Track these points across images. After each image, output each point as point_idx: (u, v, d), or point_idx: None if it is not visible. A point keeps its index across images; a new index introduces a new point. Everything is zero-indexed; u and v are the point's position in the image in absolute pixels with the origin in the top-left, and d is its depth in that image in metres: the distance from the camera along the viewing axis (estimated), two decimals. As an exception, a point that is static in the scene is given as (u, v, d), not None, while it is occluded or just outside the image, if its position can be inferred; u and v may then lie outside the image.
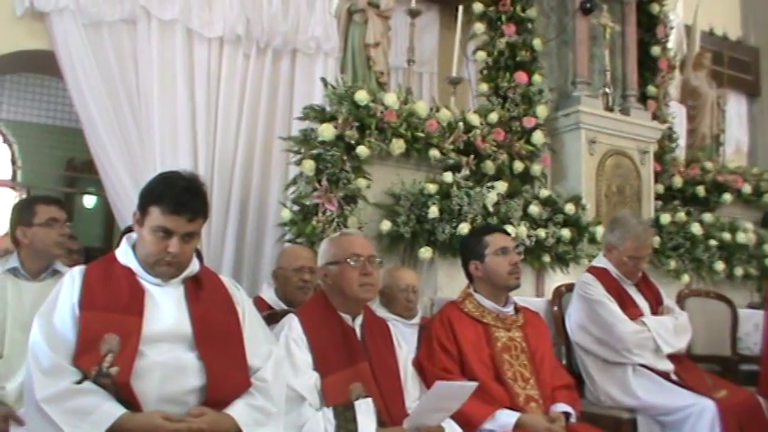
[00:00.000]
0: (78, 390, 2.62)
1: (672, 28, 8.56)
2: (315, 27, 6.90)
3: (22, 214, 3.85)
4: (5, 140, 12.90)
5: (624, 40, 7.78)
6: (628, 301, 4.78)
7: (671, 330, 4.75)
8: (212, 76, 6.61)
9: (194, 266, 3.04)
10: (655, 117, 7.80)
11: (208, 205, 3.01)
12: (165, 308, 2.88)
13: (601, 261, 5.02)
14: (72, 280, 2.88)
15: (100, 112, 6.16)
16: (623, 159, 7.24)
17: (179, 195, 2.89)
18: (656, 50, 8.13)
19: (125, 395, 2.64)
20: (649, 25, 8.16)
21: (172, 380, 2.73)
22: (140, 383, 2.67)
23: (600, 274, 4.88)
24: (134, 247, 2.99)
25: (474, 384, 3.43)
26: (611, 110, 7.29)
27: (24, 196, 10.76)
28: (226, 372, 2.84)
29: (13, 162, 12.96)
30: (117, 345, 2.68)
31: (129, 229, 3.12)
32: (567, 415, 3.84)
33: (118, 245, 3.08)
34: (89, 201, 13.30)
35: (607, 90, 7.34)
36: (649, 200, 7.40)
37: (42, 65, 6.85)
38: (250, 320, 3.11)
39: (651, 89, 8.04)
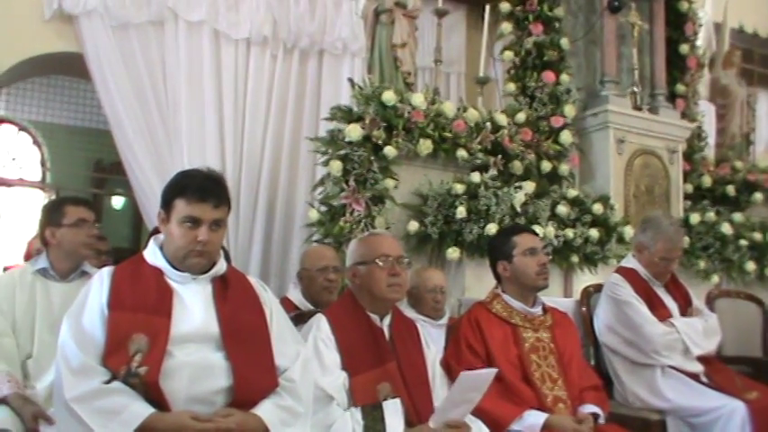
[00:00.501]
0: (107, 389, 2.63)
1: (701, 25, 8.49)
2: (342, 28, 6.92)
3: (52, 215, 3.87)
4: (35, 142, 13.00)
5: (652, 39, 7.73)
6: (656, 303, 4.75)
7: (700, 332, 4.70)
8: (239, 78, 6.64)
9: (222, 266, 3.04)
10: (684, 116, 7.74)
11: (230, 195, 3.04)
12: (193, 308, 2.89)
13: (630, 262, 4.99)
14: (101, 281, 2.90)
15: (128, 113, 6.21)
16: (652, 159, 7.20)
17: (202, 183, 2.94)
18: (684, 48, 8.06)
19: (154, 395, 2.65)
20: (678, 23, 8.09)
21: (200, 380, 2.74)
22: (169, 383, 2.68)
23: (629, 274, 4.84)
24: (161, 248, 3.01)
25: (494, 370, 3.41)
26: (639, 109, 7.24)
27: (53, 197, 10.85)
28: (253, 372, 2.84)
29: (43, 164, 13.06)
30: (145, 345, 2.69)
31: (157, 230, 3.13)
32: (595, 416, 3.82)
33: (146, 246, 3.10)
34: (117, 202, 13.39)
35: (635, 89, 7.30)
36: (678, 200, 7.36)
37: (71, 67, 6.92)
38: (277, 321, 3.11)
39: (680, 88, 7.98)
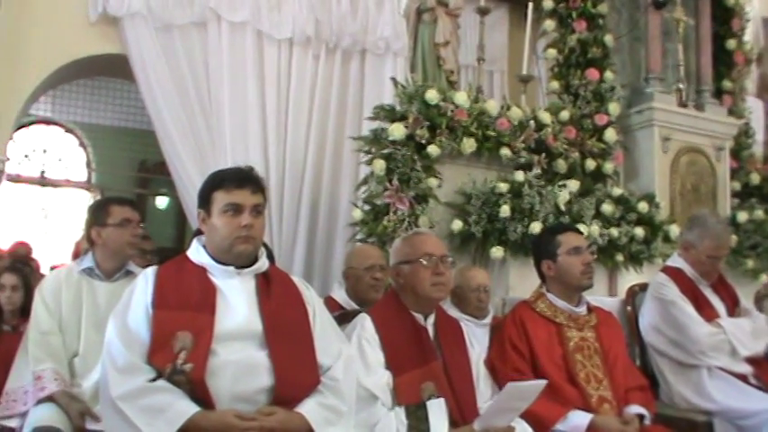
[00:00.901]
0: (153, 387, 2.65)
1: (748, 20, 8.38)
2: (384, 27, 6.92)
3: (97, 215, 3.91)
4: (81, 144, 13.15)
5: (698, 34, 7.66)
6: (703, 303, 4.68)
7: (748, 333, 4.62)
8: (282, 78, 6.66)
9: (264, 263, 3.06)
10: (731, 112, 7.67)
11: (264, 185, 3.10)
12: (237, 305, 2.91)
13: (676, 261, 4.92)
14: (145, 280, 2.93)
15: (171, 114, 6.25)
16: (698, 156, 7.13)
17: (237, 173, 3.02)
18: (731, 44, 7.98)
19: (199, 393, 2.67)
20: (724, 18, 8.01)
21: (244, 379, 2.75)
22: (214, 382, 2.70)
23: (675, 274, 4.78)
24: (204, 247, 3.03)
25: (543, 382, 3.40)
26: (684, 106, 7.19)
27: (99, 198, 10.97)
28: (295, 370, 2.85)
29: (88, 164, 13.21)
30: (190, 342, 2.71)
31: (200, 232, 3.16)
32: (641, 417, 3.78)
33: (190, 245, 3.13)
34: (161, 201, 13.49)
35: (681, 86, 7.24)
36: (725, 198, 7.28)
37: (115, 68, 6.99)
38: (320, 319, 3.12)
39: (726, 84, 7.90)
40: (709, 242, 4.72)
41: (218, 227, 2.94)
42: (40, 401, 3.48)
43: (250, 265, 3.00)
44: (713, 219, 4.90)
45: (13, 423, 3.55)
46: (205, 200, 3.00)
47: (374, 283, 4.64)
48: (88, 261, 3.89)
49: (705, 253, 4.73)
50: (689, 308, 4.58)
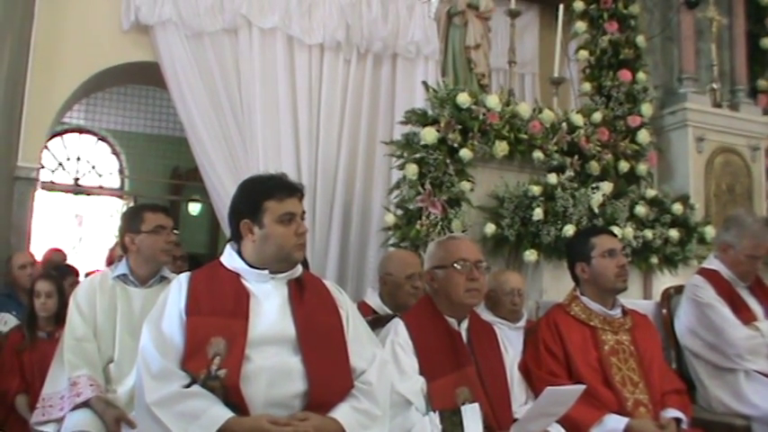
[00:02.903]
0: (187, 393, 2.67)
1: (783, 18, 8.31)
2: (414, 31, 6.93)
3: (131, 222, 3.93)
4: (113, 151, 13.25)
5: (732, 33, 7.61)
6: (740, 305, 4.60)
7: (787, 335, 4.57)
8: (313, 83, 6.69)
9: (298, 269, 3.06)
10: (766, 112, 7.59)
11: None
12: (270, 310, 2.91)
13: (712, 263, 4.85)
14: (179, 286, 2.94)
15: (203, 120, 6.30)
16: (733, 157, 7.08)
17: (284, 181, 3.04)
18: (765, 42, 7.90)
19: (234, 398, 2.68)
20: (758, 16, 7.94)
21: (278, 384, 2.75)
22: (248, 387, 2.70)
23: (711, 276, 4.72)
24: (239, 253, 3.03)
25: (582, 387, 3.39)
26: (719, 106, 7.14)
27: (132, 205, 11.04)
28: (328, 374, 2.85)
29: (121, 171, 13.31)
30: (224, 348, 2.73)
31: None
32: (677, 421, 3.75)
33: (223, 252, 3.13)
34: (194, 208, 13.57)
35: (715, 85, 7.19)
36: (761, 198, 7.22)
37: (147, 76, 7.06)
38: (354, 323, 3.11)
39: (762, 83, 7.84)
40: (748, 241, 4.66)
41: (275, 236, 2.94)
42: (75, 407, 3.50)
43: (284, 270, 3.01)
44: (750, 218, 4.83)
45: (49, 428, 3.58)
46: (254, 210, 2.97)
47: (414, 291, 4.58)
48: (122, 268, 3.91)
49: (744, 252, 4.66)
50: (725, 310, 4.53)
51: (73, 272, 6.29)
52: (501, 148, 5.85)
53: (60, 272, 5.91)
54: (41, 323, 4.70)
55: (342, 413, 2.80)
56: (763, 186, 7.27)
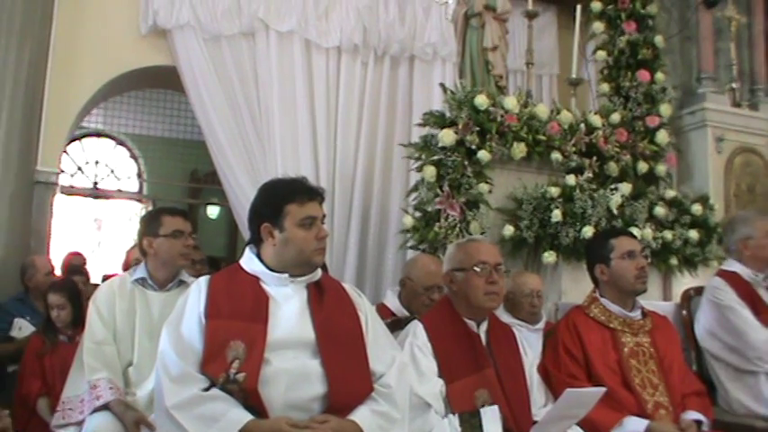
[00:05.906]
0: (206, 396, 2.68)
1: (803, 15, 8.26)
2: (432, 33, 6.93)
3: (149, 225, 3.95)
4: (132, 155, 13.31)
5: (751, 32, 7.59)
6: (761, 307, 4.56)
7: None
8: (331, 86, 6.70)
9: (318, 272, 3.06)
10: (786, 111, 7.55)
11: None
12: (289, 313, 2.91)
13: (732, 265, 4.82)
14: (198, 290, 2.95)
15: (222, 123, 6.32)
16: (753, 157, 7.05)
17: (305, 185, 3.05)
18: (786, 41, 7.86)
19: (253, 401, 2.68)
20: (777, 15, 7.89)
21: (297, 387, 2.75)
22: (267, 390, 2.71)
23: (731, 278, 4.69)
24: (258, 256, 3.03)
25: (602, 390, 3.38)
26: (738, 105, 7.12)
27: (151, 208, 11.08)
28: (348, 378, 2.85)
29: (139, 175, 13.37)
30: (243, 352, 2.73)
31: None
32: (698, 423, 3.72)
33: (242, 255, 3.13)
34: (212, 211, 13.63)
35: (734, 85, 7.17)
36: (781, 198, 7.18)
37: (165, 80, 7.09)
38: (373, 326, 3.11)
39: (782, 83, 7.78)
40: (763, 223, 4.64)
41: (296, 240, 2.94)
42: (95, 410, 3.51)
43: (304, 274, 3.01)
44: (746, 212, 4.83)
45: (69, 431, 3.60)
46: (275, 213, 2.97)
47: (429, 303, 4.52)
48: (141, 271, 3.93)
49: (764, 237, 4.64)
50: (746, 312, 4.49)
51: (83, 272, 6.31)
52: (519, 149, 5.83)
53: (70, 271, 5.95)
54: (61, 328, 4.74)
55: (361, 416, 2.80)
56: (784, 186, 7.24)
